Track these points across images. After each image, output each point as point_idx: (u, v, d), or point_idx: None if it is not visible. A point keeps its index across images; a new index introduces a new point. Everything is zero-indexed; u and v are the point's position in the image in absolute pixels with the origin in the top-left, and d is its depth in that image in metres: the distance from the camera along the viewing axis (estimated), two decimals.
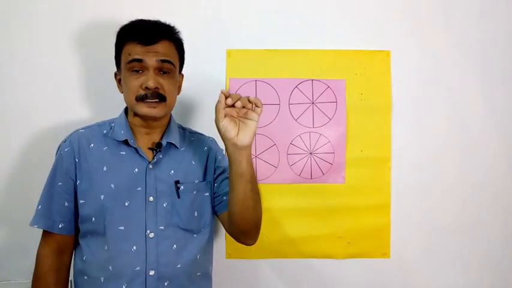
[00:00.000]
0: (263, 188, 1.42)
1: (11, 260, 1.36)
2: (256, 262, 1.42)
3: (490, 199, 1.49)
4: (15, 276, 1.36)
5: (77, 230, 1.11)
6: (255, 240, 1.14)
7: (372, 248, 1.46)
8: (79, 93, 1.38)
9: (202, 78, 1.39)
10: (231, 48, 1.42)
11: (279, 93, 1.44)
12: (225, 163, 1.18)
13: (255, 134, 1.02)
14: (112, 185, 1.06)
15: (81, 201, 1.08)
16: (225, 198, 1.15)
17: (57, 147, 1.14)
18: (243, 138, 1.00)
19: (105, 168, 1.08)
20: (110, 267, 1.04)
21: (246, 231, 1.11)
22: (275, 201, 1.43)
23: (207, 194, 1.16)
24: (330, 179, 1.44)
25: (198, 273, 1.13)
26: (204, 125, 1.29)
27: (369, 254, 1.47)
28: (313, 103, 1.44)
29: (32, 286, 1.09)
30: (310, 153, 1.45)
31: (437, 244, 1.48)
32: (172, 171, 1.11)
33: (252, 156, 1.41)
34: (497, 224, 1.49)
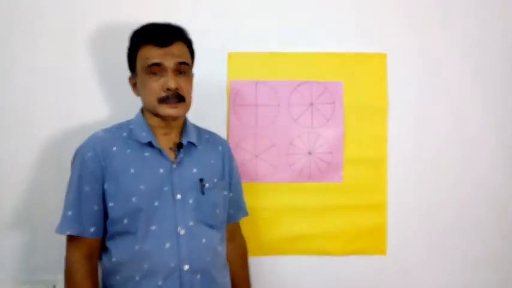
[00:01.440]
0: (263, 188, 1.45)
1: (11, 259, 1.35)
2: (255, 259, 1.42)
3: (488, 199, 1.49)
4: (16, 276, 1.35)
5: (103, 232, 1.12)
6: None
7: (368, 246, 1.47)
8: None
9: (204, 80, 1.39)
10: (232, 51, 1.44)
11: (278, 94, 1.45)
12: (238, 175, 1.29)
13: None
14: (141, 187, 1.08)
15: (110, 204, 1.09)
16: (232, 212, 1.26)
17: (65, 149, 1.13)
18: None
19: (132, 171, 1.09)
20: (145, 266, 1.06)
21: None
22: (274, 199, 1.45)
23: (225, 193, 1.21)
24: (328, 178, 1.47)
25: (222, 265, 1.19)
26: (205, 127, 1.29)
27: (366, 252, 1.48)
28: (311, 104, 1.47)
29: None
30: (309, 153, 1.47)
31: (433, 243, 1.49)
32: (194, 170, 1.15)
33: (252, 156, 1.45)
34: (494, 223, 1.50)
